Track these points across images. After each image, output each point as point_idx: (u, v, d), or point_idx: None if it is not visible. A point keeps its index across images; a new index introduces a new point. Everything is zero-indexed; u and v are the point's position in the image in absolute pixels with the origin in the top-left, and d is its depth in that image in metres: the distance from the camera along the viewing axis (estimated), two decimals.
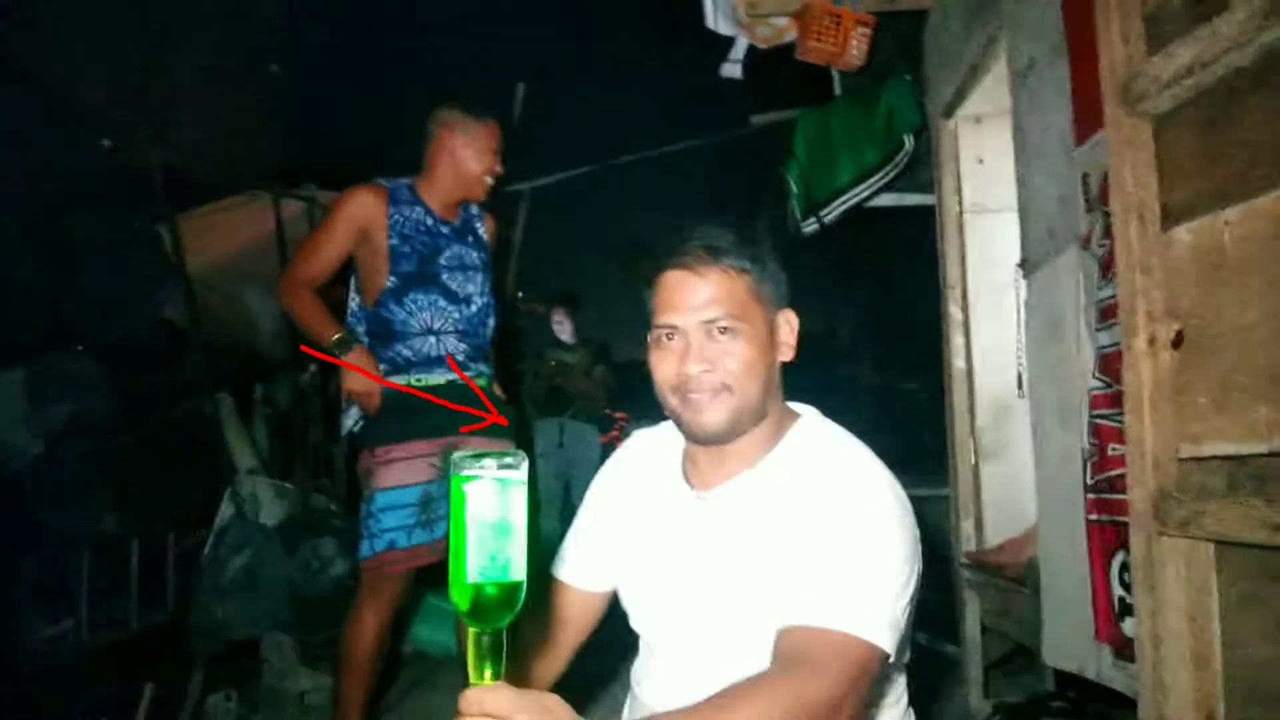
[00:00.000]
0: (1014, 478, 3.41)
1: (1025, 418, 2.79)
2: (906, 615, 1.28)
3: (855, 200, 4.00)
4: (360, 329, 2.79)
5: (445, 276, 2.80)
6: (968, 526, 3.50)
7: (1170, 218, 1.58)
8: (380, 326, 2.76)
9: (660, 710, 1.36)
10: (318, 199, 4.99)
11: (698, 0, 4.05)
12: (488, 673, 0.93)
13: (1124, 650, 1.99)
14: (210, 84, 5.13)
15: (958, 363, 3.61)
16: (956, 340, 3.61)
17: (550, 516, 5.07)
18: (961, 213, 3.64)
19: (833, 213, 4.04)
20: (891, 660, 1.25)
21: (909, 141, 3.89)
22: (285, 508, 4.04)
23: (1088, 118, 2.11)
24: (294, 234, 4.76)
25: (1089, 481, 2.14)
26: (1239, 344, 1.41)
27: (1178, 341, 1.55)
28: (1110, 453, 2.02)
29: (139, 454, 4.21)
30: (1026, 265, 2.68)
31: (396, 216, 2.76)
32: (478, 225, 2.96)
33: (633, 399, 5.87)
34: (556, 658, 1.54)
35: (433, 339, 2.76)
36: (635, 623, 1.52)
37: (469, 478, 0.92)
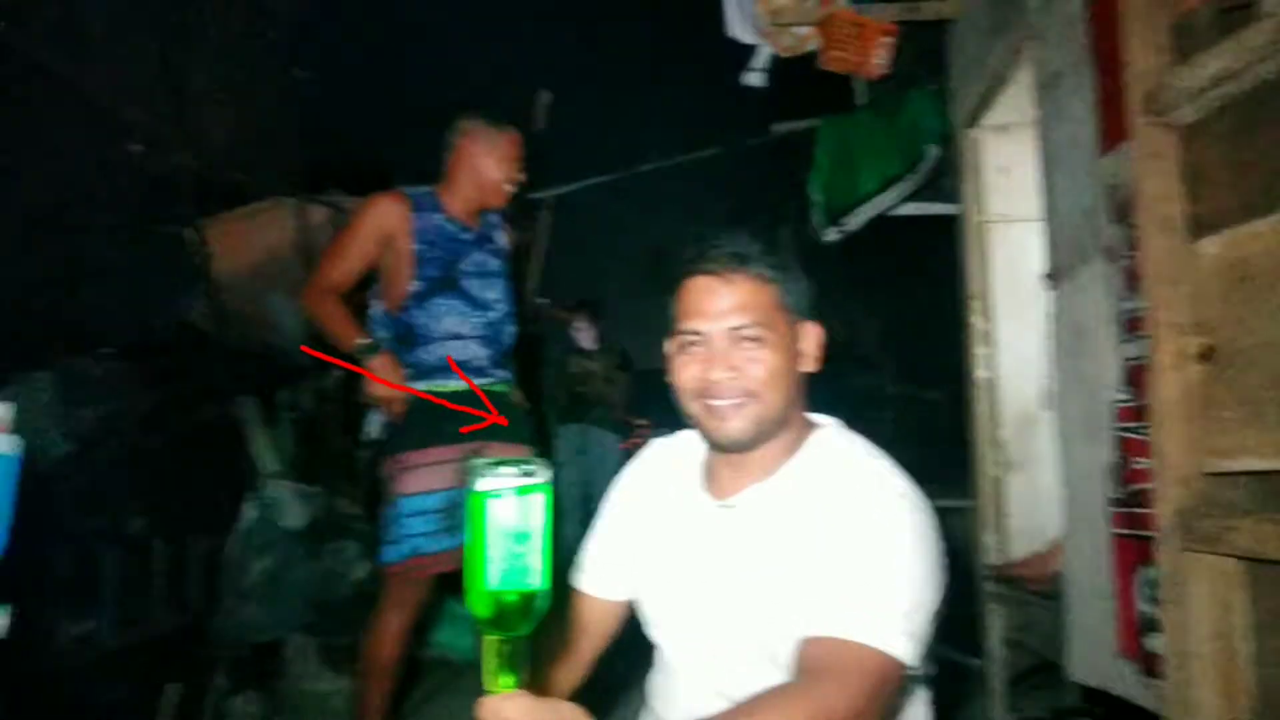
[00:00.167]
0: (1038, 490, 3.38)
1: (1049, 430, 2.77)
2: (928, 627, 1.28)
3: (877, 209, 3.99)
4: (382, 334, 2.81)
5: (467, 282, 2.83)
6: (991, 539, 3.47)
7: (1197, 230, 1.56)
8: (403, 331, 2.77)
9: None
10: (342, 205, 5.02)
11: (720, 9, 4.05)
12: (506, 681, 0.93)
13: (1149, 666, 1.97)
14: (236, 90, 5.18)
15: (981, 374, 3.59)
16: (979, 351, 3.59)
17: (570, 523, 5.07)
18: (985, 223, 3.62)
19: (855, 221, 4.03)
20: (912, 672, 1.24)
21: (932, 151, 3.88)
22: (308, 511, 4.06)
23: (1113, 128, 2.09)
24: (319, 240, 4.79)
25: (1114, 495, 2.12)
26: (1267, 358, 1.40)
27: (1205, 355, 1.53)
28: (1136, 466, 2.00)
29: (164, 457, 4.24)
30: (1052, 276, 2.66)
31: (420, 223, 2.78)
32: (496, 234, 2.98)
33: (654, 406, 5.87)
34: (575, 667, 1.54)
35: (456, 344, 2.79)
36: (653, 632, 1.51)
37: (488, 485, 0.92)
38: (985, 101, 3.43)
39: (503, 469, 0.92)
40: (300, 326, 5.00)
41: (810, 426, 1.46)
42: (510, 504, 0.91)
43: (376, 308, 2.87)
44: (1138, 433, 1.98)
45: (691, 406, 1.40)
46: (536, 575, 0.92)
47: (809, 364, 1.44)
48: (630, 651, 1.62)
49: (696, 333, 1.37)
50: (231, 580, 3.58)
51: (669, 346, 1.43)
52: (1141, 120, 1.65)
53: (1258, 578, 1.50)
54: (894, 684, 1.20)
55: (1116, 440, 2.09)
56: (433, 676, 3.89)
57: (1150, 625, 1.95)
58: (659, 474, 1.56)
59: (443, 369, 2.76)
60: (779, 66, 4.23)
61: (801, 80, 4.26)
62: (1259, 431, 1.42)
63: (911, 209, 4.14)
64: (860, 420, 1.52)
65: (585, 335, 5.90)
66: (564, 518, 5.01)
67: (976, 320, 3.59)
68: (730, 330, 1.35)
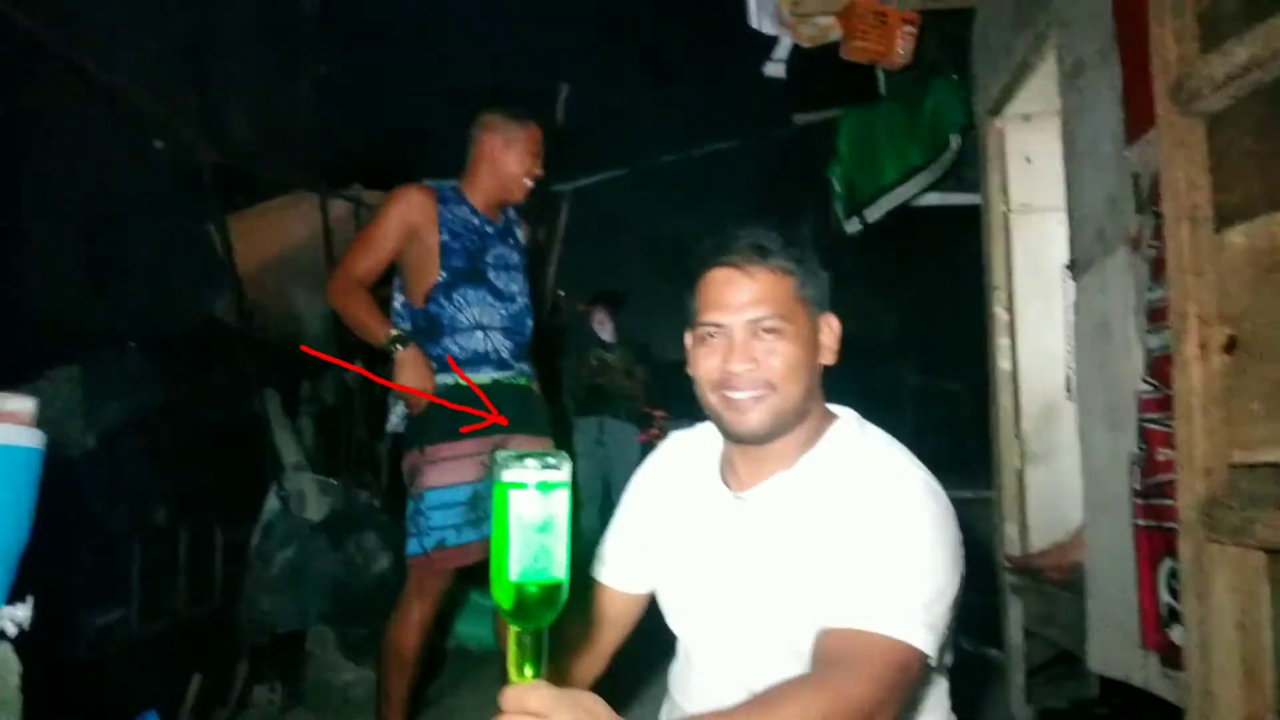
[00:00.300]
0: (1059, 481, 3.36)
1: (1071, 420, 2.75)
2: (948, 618, 1.27)
3: (900, 199, 3.98)
4: (406, 327, 2.81)
5: (492, 274, 2.84)
6: (1012, 530, 3.46)
7: (1223, 220, 1.55)
8: (429, 323, 2.78)
9: (697, 713, 1.36)
10: (364, 199, 5.05)
11: (741, 0, 4.03)
12: (528, 671, 0.93)
13: (1171, 658, 1.96)
14: (259, 85, 5.22)
15: (1003, 364, 3.57)
16: (1002, 342, 3.57)
17: (590, 514, 5.10)
18: (1008, 212, 3.60)
19: (876, 212, 4.02)
20: (932, 663, 1.24)
21: (955, 140, 3.86)
22: (330, 503, 4.09)
23: (1139, 117, 2.07)
24: (341, 234, 4.82)
25: (1137, 486, 2.11)
26: None
27: (1230, 346, 1.52)
28: (1159, 457, 1.99)
29: (188, 449, 4.28)
30: (1075, 266, 2.64)
31: (446, 215, 2.79)
32: (516, 229, 3.00)
33: (672, 398, 5.87)
34: (596, 658, 1.55)
35: (480, 334, 2.79)
36: (672, 624, 1.52)
37: (512, 477, 0.93)
38: (1009, 91, 3.41)
39: (526, 462, 0.93)
40: (322, 320, 5.04)
41: (829, 418, 1.46)
42: (532, 497, 0.92)
43: (398, 300, 2.88)
44: (1161, 424, 1.96)
45: (710, 398, 1.40)
46: (558, 567, 0.93)
47: (828, 356, 1.43)
48: (651, 642, 1.63)
49: (716, 325, 1.37)
50: (254, 571, 3.61)
51: (688, 338, 1.43)
52: (1167, 109, 1.63)
53: None
54: (914, 675, 1.20)
55: (1140, 431, 2.08)
56: (453, 666, 3.92)
57: (1172, 617, 1.94)
58: (678, 467, 1.56)
59: (467, 360, 2.77)
60: (800, 57, 4.21)
61: (823, 71, 4.25)
62: None
63: (934, 199, 4.12)
64: (881, 412, 1.51)
65: (604, 328, 5.91)
66: (583, 509, 5.05)
67: (999, 311, 3.58)
68: (750, 322, 1.35)
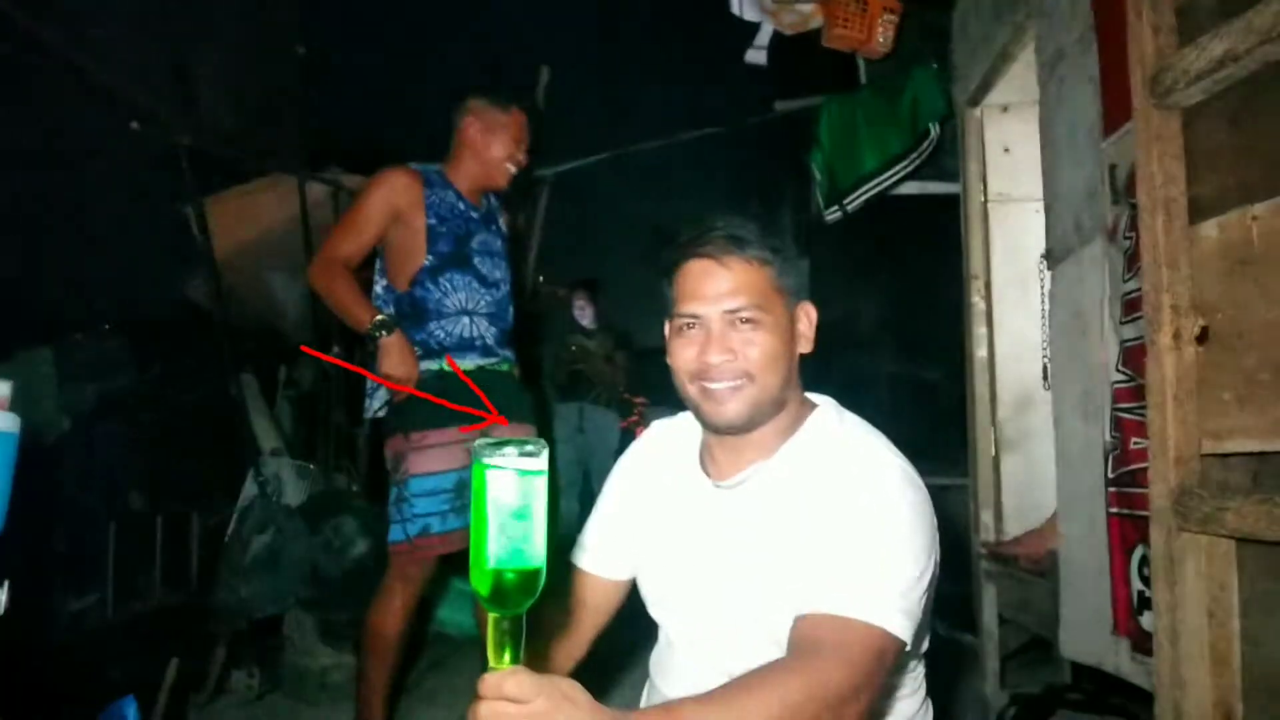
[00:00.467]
0: (1034, 469, 3.40)
1: (1046, 409, 2.77)
2: (924, 604, 1.29)
3: (879, 188, 3.99)
4: (389, 312, 2.78)
5: (477, 260, 2.83)
6: (987, 517, 3.49)
7: (1198, 212, 1.57)
8: (413, 307, 2.76)
9: (677, 698, 1.37)
10: (343, 182, 5.01)
11: None
12: (507, 657, 0.94)
13: (1142, 644, 1.99)
14: (236, 66, 5.16)
15: (980, 353, 3.59)
16: (979, 330, 3.60)
17: (569, 500, 5.11)
18: (986, 202, 3.61)
19: (856, 201, 4.03)
20: (908, 649, 1.25)
21: (934, 129, 3.87)
22: (307, 488, 4.08)
23: (1116, 109, 2.09)
24: (319, 217, 4.78)
25: (1110, 475, 2.13)
26: (1265, 340, 1.40)
27: (1202, 337, 1.54)
28: (1133, 446, 2.01)
29: (164, 433, 4.25)
30: (1051, 256, 2.66)
31: (432, 198, 2.77)
32: (499, 216, 3.00)
33: (653, 385, 5.88)
34: (576, 644, 1.56)
35: (466, 319, 2.78)
36: (653, 611, 1.53)
37: (490, 465, 0.93)
38: (988, 80, 3.42)
39: (504, 449, 0.93)
40: (300, 303, 5.01)
41: (808, 406, 1.47)
42: (510, 484, 0.92)
43: (380, 284, 2.85)
44: (1135, 413, 1.98)
45: (688, 389, 1.40)
46: (536, 554, 0.93)
47: (805, 345, 1.44)
48: (631, 627, 1.64)
49: (693, 315, 1.38)
50: (231, 556, 3.59)
51: (668, 328, 1.44)
52: (1144, 101, 1.65)
53: (1250, 558, 1.52)
54: (890, 661, 1.22)
55: (1114, 420, 2.10)
56: (433, 652, 3.92)
57: (1144, 604, 1.97)
58: (659, 455, 1.57)
59: (453, 346, 2.75)
60: (782, 44, 4.21)
61: (804, 58, 4.25)
62: (1255, 413, 1.43)
63: (913, 188, 4.13)
64: (858, 399, 1.52)
65: (584, 314, 5.90)
66: (562, 496, 5.05)
67: (976, 300, 3.60)
68: (726, 313, 1.36)
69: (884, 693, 1.34)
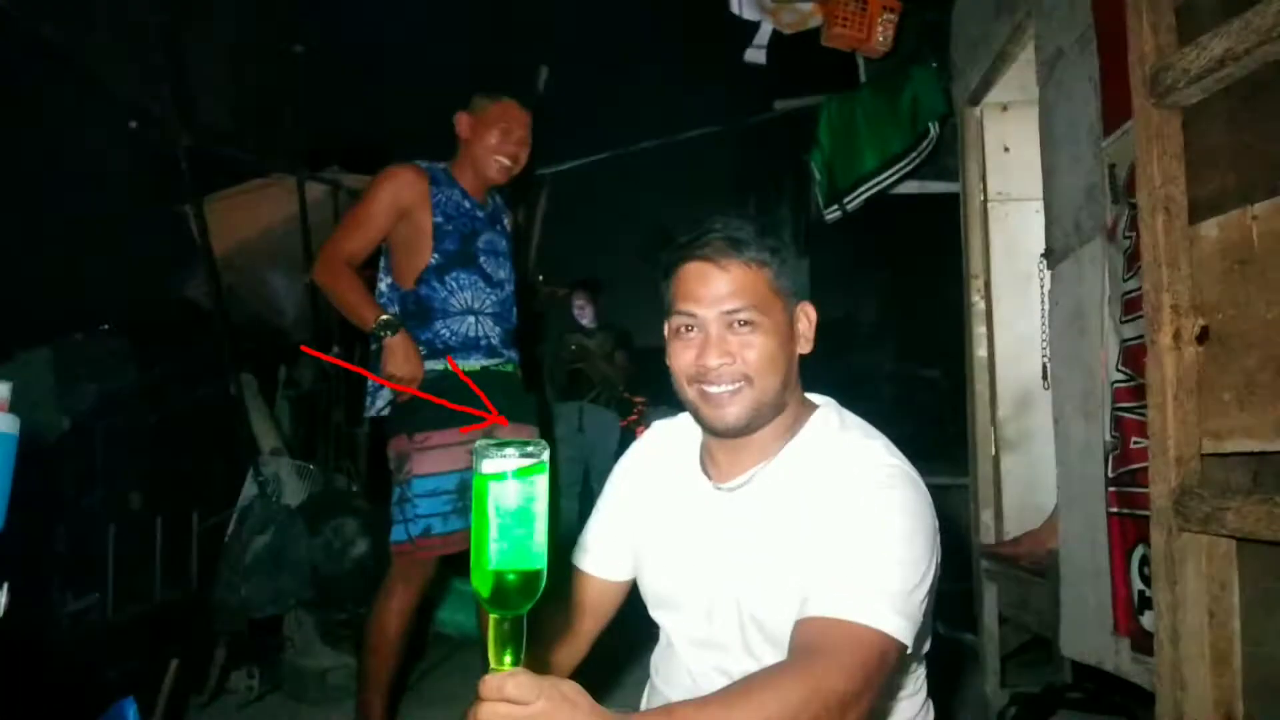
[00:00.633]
0: (1034, 468, 3.40)
1: (1046, 408, 2.78)
2: (925, 606, 1.28)
3: (879, 187, 3.99)
4: (393, 310, 2.77)
5: (483, 259, 2.81)
6: (987, 516, 3.50)
7: (1197, 211, 1.57)
8: (419, 306, 2.74)
9: (678, 699, 1.37)
10: (342, 182, 5.01)
11: None
12: (508, 658, 0.94)
13: (1142, 644, 1.99)
14: (235, 65, 5.15)
15: (980, 352, 3.59)
16: (979, 330, 3.60)
17: (570, 500, 5.10)
18: (986, 201, 3.62)
19: (856, 200, 4.03)
20: (909, 651, 1.25)
21: (934, 129, 3.87)
22: (307, 488, 4.08)
23: (1116, 108, 2.09)
24: (318, 217, 4.79)
25: (1110, 474, 2.13)
26: (1265, 340, 1.40)
27: (1202, 337, 1.54)
28: (1133, 446, 2.01)
29: (164, 433, 4.25)
30: (1051, 256, 2.66)
31: (439, 196, 2.76)
32: (504, 216, 2.98)
33: (653, 384, 5.87)
34: (576, 645, 1.56)
35: (471, 319, 2.77)
36: (654, 613, 1.53)
37: (492, 466, 0.93)
38: (988, 79, 3.42)
39: (505, 450, 0.93)
40: (299, 302, 5.01)
41: (808, 407, 1.47)
42: (511, 485, 0.92)
43: (384, 282, 2.84)
44: (1135, 413, 1.98)
45: (687, 392, 1.40)
46: (537, 555, 0.93)
47: (805, 345, 1.44)
48: (632, 628, 1.64)
49: (691, 318, 1.37)
50: (231, 556, 3.59)
51: (667, 329, 1.43)
52: (1144, 101, 1.65)
53: (1250, 557, 1.52)
54: (891, 664, 1.21)
55: (1114, 420, 2.10)
56: (434, 652, 3.93)
57: (1144, 603, 1.97)
58: (660, 457, 1.57)
59: (458, 346, 2.74)
60: (782, 43, 4.21)
61: (804, 57, 4.24)
62: (1255, 414, 1.43)
63: (913, 187, 4.14)
64: (859, 398, 1.52)
65: (584, 313, 5.90)
66: (563, 496, 5.05)
67: (976, 299, 3.60)
68: (724, 316, 1.36)
69: (885, 694, 1.34)
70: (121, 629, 3.56)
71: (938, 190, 4.10)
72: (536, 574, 0.93)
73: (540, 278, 6.03)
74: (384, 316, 2.64)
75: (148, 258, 4.52)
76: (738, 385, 1.35)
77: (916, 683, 1.45)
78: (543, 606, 0.95)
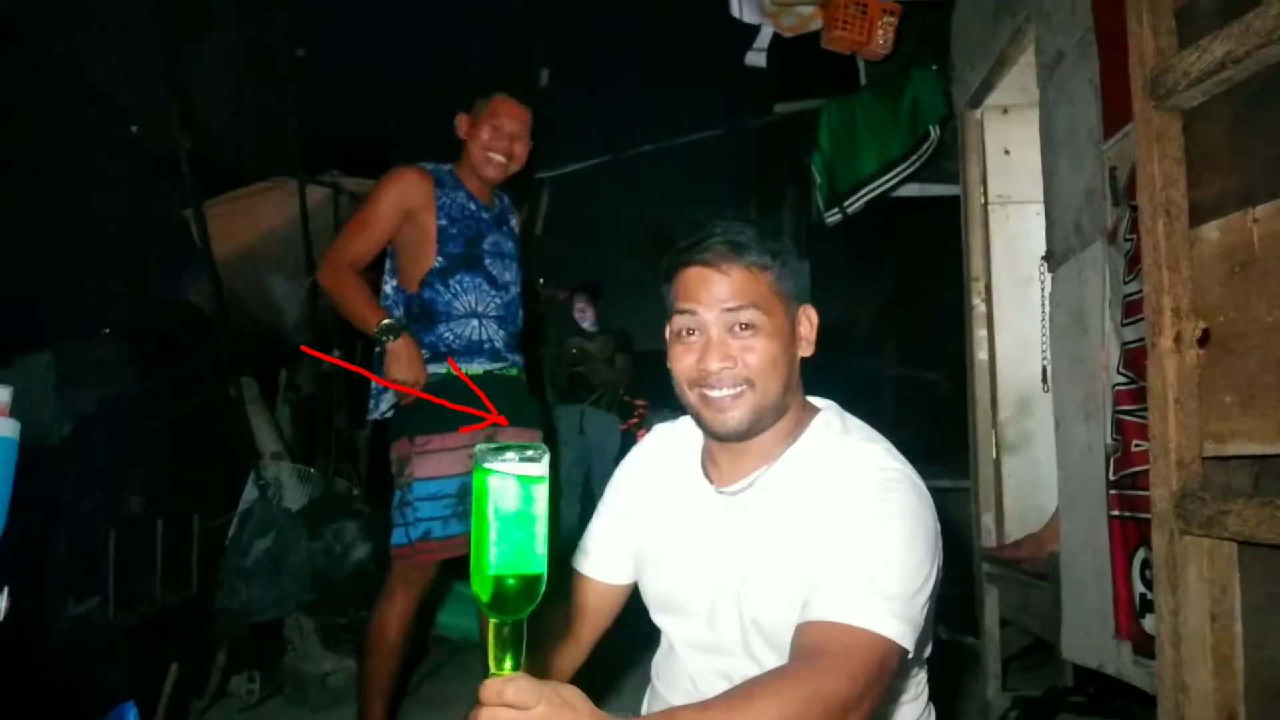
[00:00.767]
0: (1035, 471, 3.40)
1: (1047, 411, 2.77)
2: (926, 610, 1.28)
3: (879, 191, 3.99)
4: (398, 313, 2.77)
5: (488, 261, 2.80)
6: (988, 519, 3.49)
7: (1198, 214, 1.56)
8: (423, 309, 2.74)
9: (679, 703, 1.37)
10: (343, 185, 5.01)
11: None
12: (508, 663, 0.93)
13: (1144, 647, 1.99)
14: (236, 69, 5.17)
15: (980, 355, 3.59)
16: (979, 333, 3.60)
17: (570, 503, 5.10)
18: (986, 204, 3.62)
19: (856, 203, 4.03)
20: (910, 656, 1.24)
21: (934, 132, 3.87)
22: (308, 492, 4.08)
23: (1116, 111, 2.09)
24: (319, 220, 4.79)
25: (1112, 477, 2.13)
26: (1266, 343, 1.40)
27: (1204, 339, 1.54)
28: (1134, 449, 2.01)
29: (164, 437, 4.25)
30: (1052, 258, 2.66)
31: (444, 199, 2.75)
32: (511, 217, 2.96)
33: (654, 387, 5.87)
34: (576, 648, 1.55)
35: (475, 322, 2.75)
36: (655, 617, 1.52)
37: (491, 470, 0.93)
38: (988, 82, 3.42)
39: (505, 454, 0.93)
40: (300, 306, 5.01)
41: (809, 410, 1.46)
42: (511, 489, 0.92)
43: (389, 285, 2.83)
44: (1136, 415, 1.98)
45: (689, 396, 1.40)
46: (537, 559, 0.93)
47: (807, 349, 1.44)
48: (633, 632, 1.64)
49: (692, 323, 1.37)
50: (232, 560, 3.59)
51: (668, 332, 1.43)
52: (1144, 103, 1.64)
53: (1252, 560, 1.51)
54: (891, 669, 1.21)
55: (1115, 423, 2.10)
56: (434, 656, 3.92)
57: (1146, 607, 1.97)
58: (661, 460, 1.57)
59: (461, 350, 2.74)
60: (782, 46, 4.21)
61: (804, 60, 4.25)
62: (1256, 416, 1.43)
63: (913, 190, 4.14)
64: (860, 402, 1.52)
65: (584, 316, 5.90)
66: (563, 499, 5.05)
67: (977, 302, 3.60)
68: (726, 319, 1.35)
69: (886, 698, 1.34)
70: (122, 633, 3.55)
71: (938, 193, 4.10)
72: (536, 578, 0.93)
73: (541, 281, 6.03)
74: (386, 321, 2.63)
75: (148, 262, 4.53)
76: (739, 389, 1.35)
77: (918, 687, 1.45)
78: (543, 609, 0.95)
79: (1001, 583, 3.23)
